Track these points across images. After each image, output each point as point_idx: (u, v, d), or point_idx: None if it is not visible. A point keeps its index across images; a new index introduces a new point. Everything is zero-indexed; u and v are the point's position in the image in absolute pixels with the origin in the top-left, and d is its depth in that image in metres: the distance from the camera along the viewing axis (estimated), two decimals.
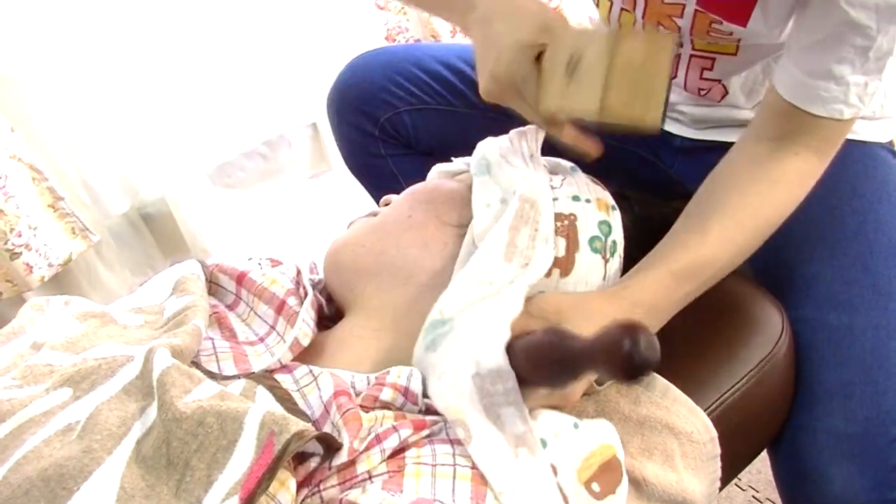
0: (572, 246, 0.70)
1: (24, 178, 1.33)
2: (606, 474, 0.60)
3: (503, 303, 0.64)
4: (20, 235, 1.33)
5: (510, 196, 0.70)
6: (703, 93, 0.88)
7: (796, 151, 0.71)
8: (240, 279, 0.76)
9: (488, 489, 0.54)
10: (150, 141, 1.50)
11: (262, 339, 0.71)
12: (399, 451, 0.56)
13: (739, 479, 1.28)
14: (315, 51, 1.72)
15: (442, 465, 0.55)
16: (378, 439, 0.56)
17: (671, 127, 0.97)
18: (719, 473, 0.72)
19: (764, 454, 0.85)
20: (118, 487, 0.49)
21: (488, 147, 0.76)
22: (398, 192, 0.86)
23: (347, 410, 0.56)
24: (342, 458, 0.53)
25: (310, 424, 0.52)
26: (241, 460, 0.50)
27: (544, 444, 0.60)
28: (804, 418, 0.76)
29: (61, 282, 1.43)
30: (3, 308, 1.38)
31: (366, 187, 1.18)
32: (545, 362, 0.59)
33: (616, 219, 0.73)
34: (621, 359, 0.47)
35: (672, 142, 0.98)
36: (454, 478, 0.54)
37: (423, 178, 0.85)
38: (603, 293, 0.70)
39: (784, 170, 0.72)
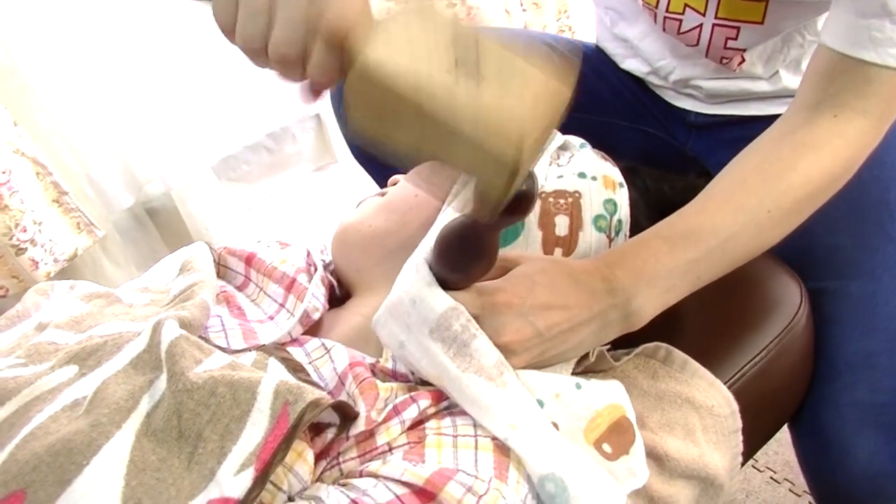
0: (576, 224, 0.68)
1: (28, 173, 1.32)
2: (616, 435, 0.58)
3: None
4: (25, 231, 1.32)
5: None
6: (724, 61, 0.86)
7: (835, 113, 0.65)
8: (249, 260, 0.75)
9: (510, 461, 0.53)
10: (154, 135, 1.49)
11: (271, 318, 0.70)
12: (418, 422, 0.55)
13: (756, 461, 1.26)
14: None
15: (463, 436, 0.53)
16: (396, 410, 0.54)
17: (685, 103, 0.96)
18: (741, 448, 0.70)
19: (780, 435, 0.83)
20: (128, 461, 0.48)
21: None
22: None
23: (364, 380, 0.55)
24: (359, 427, 0.52)
25: (325, 393, 0.51)
26: (255, 431, 0.49)
27: (541, 404, 0.58)
28: (826, 391, 0.75)
29: (67, 277, 1.42)
30: (9, 304, 1.37)
31: (372, 175, 1.16)
32: (451, 244, 0.55)
33: (623, 196, 0.71)
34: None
35: (687, 118, 0.97)
36: (476, 448, 0.52)
37: None
38: (586, 259, 0.66)
39: (816, 133, 0.65)
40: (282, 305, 0.70)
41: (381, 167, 1.11)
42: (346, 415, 0.53)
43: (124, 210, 1.52)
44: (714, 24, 0.83)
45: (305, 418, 0.49)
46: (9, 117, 1.28)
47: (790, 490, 1.21)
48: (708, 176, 0.72)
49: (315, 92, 0.48)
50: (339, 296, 0.77)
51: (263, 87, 1.69)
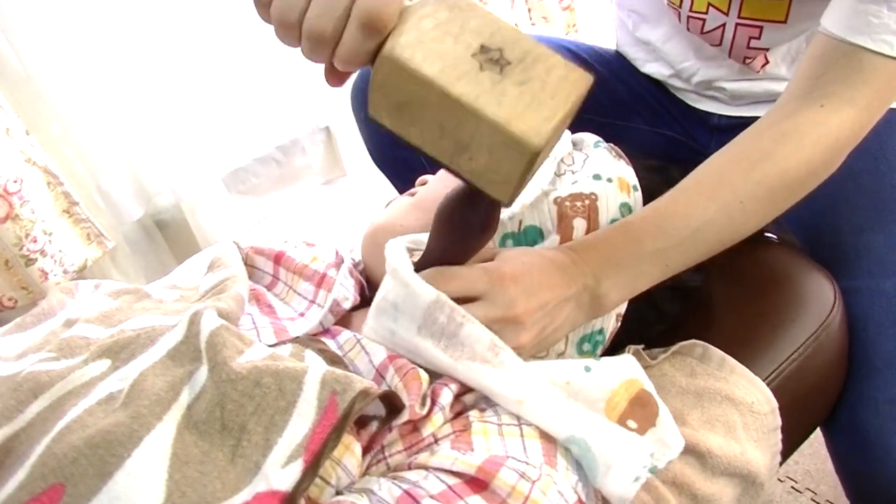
0: (593, 227, 0.67)
1: (39, 183, 1.31)
2: (639, 408, 0.57)
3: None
4: (35, 241, 1.30)
5: None
6: (747, 61, 0.86)
7: (822, 103, 0.64)
8: (277, 259, 0.75)
9: (557, 448, 0.52)
10: (165, 146, 1.48)
11: (302, 315, 0.69)
12: (459, 412, 0.54)
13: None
14: None
15: (508, 424, 0.52)
16: (433, 400, 0.53)
17: (708, 105, 0.96)
18: (780, 446, 0.70)
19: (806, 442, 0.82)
20: (170, 454, 0.47)
21: None
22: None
23: (408, 371, 0.53)
24: (403, 418, 0.50)
25: (373, 383, 0.50)
26: (302, 422, 0.47)
27: None
28: (863, 389, 0.74)
29: None
30: (17, 316, 1.35)
31: (393, 181, 1.16)
32: (455, 217, 0.55)
33: (637, 200, 0.70)
34: None
35: (709, 120, 0.96)
36: (522, 436, 0.51)
37: None
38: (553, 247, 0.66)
39: (799, 122, 0.65)
40: (312, 301, 0.69)
41: (402, 172, 1.10)
42: (393, 406, 0.51)
43: (134, 221, 1.50)
44: (737, 24, 0.83)
45: (356, 408, 0.47)
46: (21, 126, 1.27)
47: (812, 500, 1.19)
48: None
49: (339, 75, 0.48)
50: (368, 296, 0.76)
51: (273, 99, 1.69)
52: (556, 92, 0.44)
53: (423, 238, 0.61)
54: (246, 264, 0.75)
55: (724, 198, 0.64)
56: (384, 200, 1.74)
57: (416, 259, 0.60)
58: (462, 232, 0.56)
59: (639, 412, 0.56)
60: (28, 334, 0.64)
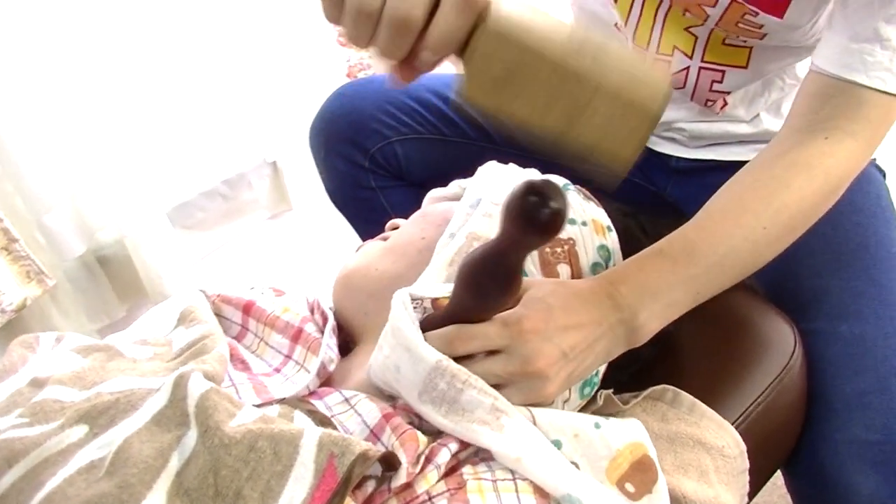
0: (576, 274, 0.68)
1: None
2: (640, 473, 0.58)
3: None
4: None
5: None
6: (709, 104, 0.89)
7: (826, 136, 0.67)
8: (247, 308, 0.73)
9: (550, 499, 0.52)
10: (108, 180, 1.44)
11: (277, 370, 0.67)
12: (453, 468, 0.54)
13: None
14: (275, 88, 1.70)
15: (502, 480, 0.52)
16: (428, 459, 0.53)
17: (667, 148, 0.99)
18: (748, 488, 0.71)
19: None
20: None
21: (485, 180, 0.75)
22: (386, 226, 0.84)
23: (405, 431, 0.53)
24: (401, 479, 0.50)
25: (370, 444, 0.49)
26: (299, 488, 0.46)
27: (559, 445, 0.57)
28: (823, 430, 0.77)
29: (13, 329, 1.34)
30: None
31: (352, 222, 1.15)
32: (473, 275, 0.54)
33: (613, 240, 0.72)
34: (526, 206, 0.45)
35: (668, 163, 0.99)
36: (517, 492, 0.51)
37: (414, 211, 0.84)
38: (589, 278, 0.67)
39: (807, 153, 0.67)
40: (287, 357, 0.68)
41: (363, 213, 1.10)
42: (390, 466, 0.51)
43: (75, 258, 1.45)
44: (701, 67, 0.86)
45: (356, 472, 0.47)
46: None
47: None
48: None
49: (413, 70, 0.47)
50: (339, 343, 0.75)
51: (220, 132, 1.67)
52: (650, 69, 0.45)
53: (426, 287, 0.61)
54: (214, 314, 0.73)
55: (749, 224, 0.66)
56: (331, 235, 1.73)
57: (418, 310, 0.60)
58: (485, 292, 0.56)
59: (639, 477, 0.57)
60: None
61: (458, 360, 0.57)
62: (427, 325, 0.59)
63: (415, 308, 0.60)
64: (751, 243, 0.66)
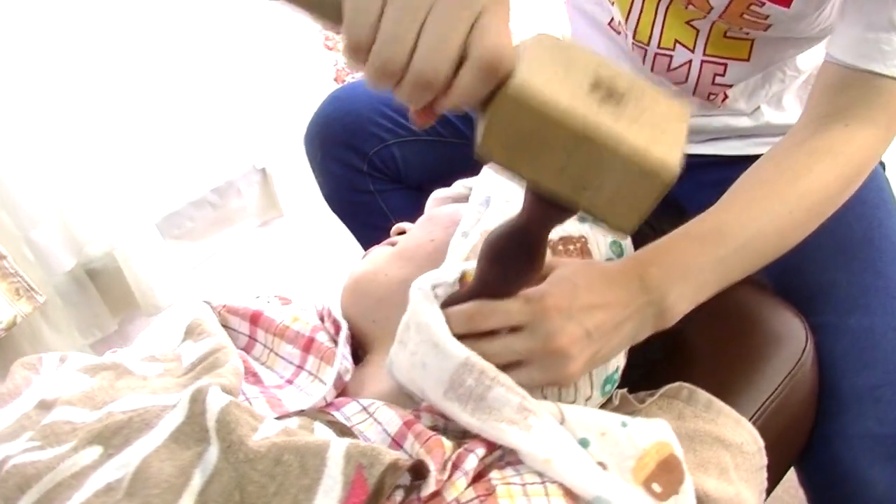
0: None
1: None
2: (666, 473, 0.57)
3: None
4: None
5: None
6: (711, 97, 0.89)
7: (846, 123, 0.67)
8: (254, 319, 0.71)
9: (581, 502, 0.51)
10: (96, 192, 1.42)
11: (290, 382, 0.66)
12: (480, 474, 0.53)
13: None
14: (262, 93, 1.69)
15: (531, 483, 0.51)
16: (455, 465, 0.52)
17: None
18: (766, 485, 0.71)
19: None
20: None
21: (493, 178, 0.74)
22: (386, 231, 0.83)
23: (429, 438, 0.52)
24: (430, 488, 0.49)
25: (399, 453, 0.48)
26: (328, 501, 0.45)
27: (586, 443, 0.56)
28: (836, 424, 0.76)
29: (4, 346, 1.32)
30: None
31: (350, 226, 1.13)
32: (497, 249, 0.55)
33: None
34: None
35: None
36: (547, 495, 0.50)
37: (413, 214, 0.83)
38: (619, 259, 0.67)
39: (829, 140, 0.67)
40: (300, 367, 0.67)
41: (359, 216, 1.09)
42: (418, 474, 0.50)
43: (65, 273, 1.42)
44: (703, 61, 0.85)
45: (387, 483, 0.46)
46: None
47: None
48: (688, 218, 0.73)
49: (431, 115, 0.48)
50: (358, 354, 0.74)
51: (207, 140, 1.65)
52: (668, 124, 0.45)
53: (444, 274, 0.60)
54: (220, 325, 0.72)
55: (774, 208, 0.66)
56: (324, 240, 1.71)
57: (440, 293, 0.59)
58: (509, 267, 0.55)
59: (665, 477, 0.56)
60: None
61: (479, 337, 0.57)
62: (450, 303, 0.59)
63: (436, 297, 0.59)
64: (776, 226, 0.66)
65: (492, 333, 0.57)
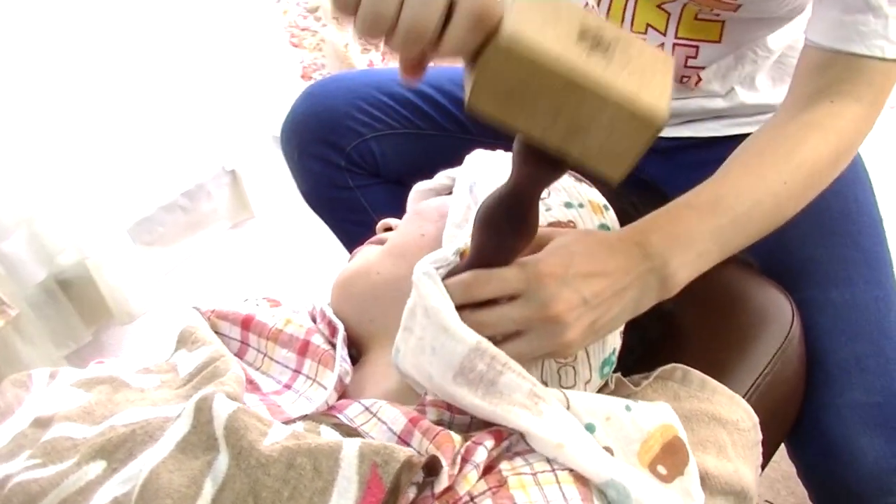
0: None
1: None
2: (670, 456, 0.58)
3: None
4: None
5: None
6: (684, 80, 0.90)
7: (832, 100, 0.68)
8: (246, 323, 0.70)
9: (591, 492, 0.52)
10: (64, 200, 1.39)
11: (287, 387, 0.65)
12: (489, 466, 0.53)
13: None
14: (229, 94, 1.66)
15: (542, 472, 0.51)
16: (465, 458, 0.52)
17: None
18: (761, 460, 0.72)
19: None
20: None
21: (476, 165, 0.74)
22: (367, 227, 0.82)
23: (438, 433, 0.52)
24: (443, 483, 0.49)
25: (412, 450, 0.48)
26: (344, 502, 0.45)
27: (591, 428, 0.57)
28: (823, 397, 0.78)
29: None
30: None
31: (329, 223, 1.12)
32: (489, 216, 0.55)
33: (612, 218, 0.71)
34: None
35: None
36: (558, 482, 0.51)
37: (394, 209, 0.82)
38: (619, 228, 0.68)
39: (817, 115, 0.68)
40: (297, 371, 0.66)
41: (338, 212, 1.08)
42: (431, 470, 0.50)
43: (36, 284, 1.39)
44: (675, 44, 0.86)
45: (403, 481, 0.45)
46: None
47: None
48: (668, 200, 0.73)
49: (421, 67, 0.49)
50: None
51: (175, 143, 1.62)
52: (655, 72, 0.46)
53: (446, 254, 0.60)
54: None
55: (771, 177, 0.66)
56: (297, 240, 1.69)
57: (442, 273, 0.59)
58: (503, 233, 0.55)
59: (670, 459, 0.57)
60: None
61: (476, 306, 0.57)
62: (449, 276, 0.59)
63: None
64: (773, 196, 0.67)
65: (490, 304, 0.57)
